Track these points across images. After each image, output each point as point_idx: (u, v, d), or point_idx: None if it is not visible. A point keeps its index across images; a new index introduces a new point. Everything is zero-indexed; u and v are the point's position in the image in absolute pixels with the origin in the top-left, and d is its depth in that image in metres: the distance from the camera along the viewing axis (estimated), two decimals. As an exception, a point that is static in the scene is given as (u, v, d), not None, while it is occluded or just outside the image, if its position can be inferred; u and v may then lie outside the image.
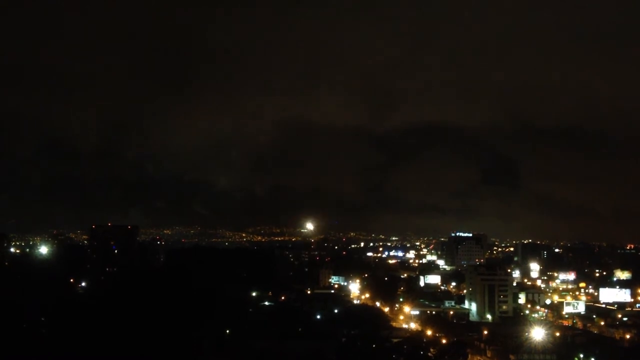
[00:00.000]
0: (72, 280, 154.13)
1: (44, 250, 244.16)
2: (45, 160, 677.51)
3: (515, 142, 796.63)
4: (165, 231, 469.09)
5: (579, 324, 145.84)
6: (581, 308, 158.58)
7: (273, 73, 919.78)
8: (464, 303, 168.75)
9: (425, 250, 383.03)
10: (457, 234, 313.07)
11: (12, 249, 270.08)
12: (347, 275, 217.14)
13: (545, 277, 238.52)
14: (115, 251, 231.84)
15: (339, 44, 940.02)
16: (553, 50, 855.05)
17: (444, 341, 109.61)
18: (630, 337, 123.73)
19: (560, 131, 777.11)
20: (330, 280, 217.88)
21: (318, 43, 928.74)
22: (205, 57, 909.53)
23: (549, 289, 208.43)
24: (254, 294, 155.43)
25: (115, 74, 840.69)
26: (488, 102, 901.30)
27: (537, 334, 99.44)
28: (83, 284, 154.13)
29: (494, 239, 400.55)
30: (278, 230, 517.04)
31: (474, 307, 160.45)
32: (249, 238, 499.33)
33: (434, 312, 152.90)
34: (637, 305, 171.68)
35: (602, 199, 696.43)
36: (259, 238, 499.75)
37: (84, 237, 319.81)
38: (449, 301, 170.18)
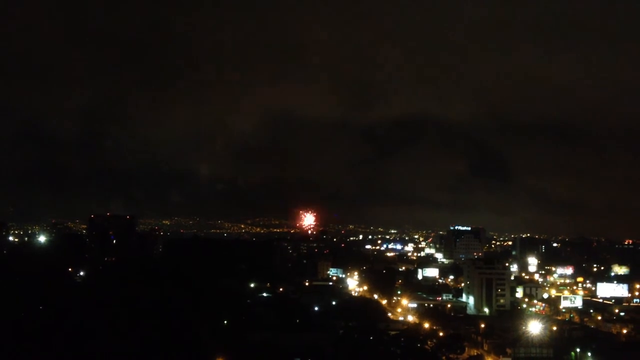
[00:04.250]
0: (70, 269, 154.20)
1: (42, 239, 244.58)
2: (39, 150, 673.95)
3: (504, 137, 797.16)
4: (164, 222, 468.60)
5: (576, 319, 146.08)
6: (578, 303, 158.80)
7: (258, 67, 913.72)
8: (461, 296, 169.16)
9: (423, 244, 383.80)
10: (456, 227, 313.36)
11: (11, 238, 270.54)
12: (346, 267, 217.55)
13: (543, 272, 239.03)
14: (114, 241, 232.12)
15: (321, 37, 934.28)
16: (537, 44, 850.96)
17: (441, 334, 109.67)
18: (627, 332, 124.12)
19: (549, 126, 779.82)
20: (328, 272, 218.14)
21: (300, 36, 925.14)
22: (188, 52, 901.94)
23: (547, 283, 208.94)
24: (252, 285, 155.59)
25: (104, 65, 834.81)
26: (473, 96, 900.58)
27: (534, 328, 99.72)
28: (81, 273, 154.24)
29: (492, 233, 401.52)
30: (277, 222, 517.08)
31: (471, 300, 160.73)
32: (247, 229, 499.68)
33: (431, 305, 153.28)
34: (635, 300, 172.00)
35: (599, 194, 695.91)
36: (258, 230, 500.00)
37: (83, 226, 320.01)
38: (447, 294, 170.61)
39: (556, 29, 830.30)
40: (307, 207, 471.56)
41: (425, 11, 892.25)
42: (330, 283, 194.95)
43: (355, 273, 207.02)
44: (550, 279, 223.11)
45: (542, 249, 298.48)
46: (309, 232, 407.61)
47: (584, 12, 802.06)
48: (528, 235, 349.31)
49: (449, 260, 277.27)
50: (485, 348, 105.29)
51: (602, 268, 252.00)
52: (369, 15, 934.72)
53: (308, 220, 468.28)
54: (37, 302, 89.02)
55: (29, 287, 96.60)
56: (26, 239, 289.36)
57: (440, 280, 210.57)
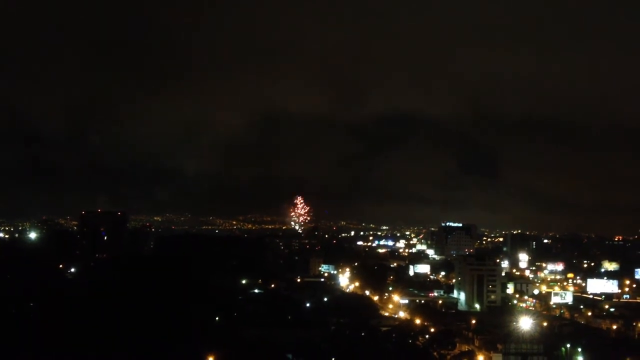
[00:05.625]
0: (61, 266, 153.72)
1: (33, 235, 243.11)
2: (30, 146, 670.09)
3: (496, 134, 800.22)
4: (155, 218, 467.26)
5: (567, 315, 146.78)
6: (569, 298, 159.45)
7: (247, 65, 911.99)
8: (453, 292, 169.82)
9: (415, 240, 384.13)
10: (447, 224, 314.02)
11: (1, 234, 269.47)
12: (337, 263, 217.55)
13: (534, 268, 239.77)
14: (105, 237, 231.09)
15: (309, 34, 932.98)
16: (528, 42, 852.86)
17: (432, 330, 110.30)
18: (616, 328, 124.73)
19: (539, 123, 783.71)
20: (320, 268, 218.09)
21: (289, 33, 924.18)
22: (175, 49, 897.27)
23: (537, 279, 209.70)
24: (244, 281, 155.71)
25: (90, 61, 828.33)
26: (463, 93, 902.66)
27: (525, 323, 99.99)
28: (72, 269, 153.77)
29: (483, 229, 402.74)
30: (269, 219, 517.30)
31: (462, 296, 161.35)
32: (239, 226, 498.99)
33: (422, 301, 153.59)
34: (624, 296, 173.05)
35: (589, 191, 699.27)
36: (250, 226, 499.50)
37: (74, 223, 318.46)
38: (438, 290, 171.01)
39: (546, 27, 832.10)
40: (299, 204, 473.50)
41: (413, 8, 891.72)
42: (322, 279, 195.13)
43: (347, 269, 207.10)
44: (541, 275, 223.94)
45: (532, 245, 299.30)
46: (301, 228, 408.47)
47: (575, 10, 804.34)
48: (519, 231, 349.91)
49: (441, 257, 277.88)
50: (476, 344, 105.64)
51: (592, 264, 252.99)
52: (358, 12, 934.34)
53: (299, 216, 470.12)
54: (28, 298, 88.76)
55: (19, 283, 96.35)
56: (16, 235, 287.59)
57: (431, 277, 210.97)
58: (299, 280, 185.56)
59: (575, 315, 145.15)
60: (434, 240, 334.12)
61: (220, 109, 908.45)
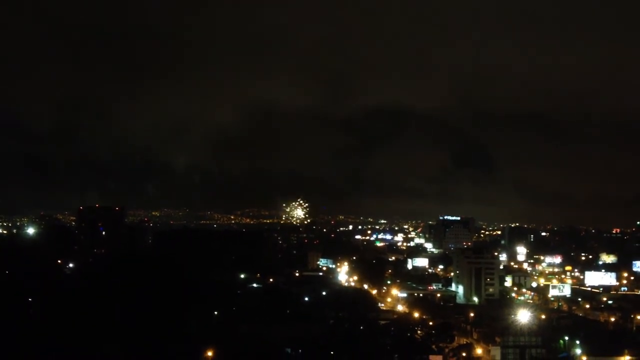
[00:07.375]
0: (59, 261, 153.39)
1: (31, 231, 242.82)
2: (27, 142, 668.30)
3: (493, 128, 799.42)
4: (153, 213, 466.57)
5: (565, 307, 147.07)
6: (567, 291, 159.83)
7: (239, 60, 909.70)
8: (451, 286, 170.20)
9: (413, 234, 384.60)
10: (445, 217, 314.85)
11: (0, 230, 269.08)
12: (336, 258, 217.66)
13: (532, 261, 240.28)
14: (103, 233, 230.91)
15: (300, 29, 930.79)
16: (525, 38, 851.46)
17: (431, 323, 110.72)
18: (614, 320, 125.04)
19: (536, 117, 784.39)
20: (318, 262, 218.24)
21: (280, 28, 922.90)
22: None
23: (535, 272, 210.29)
24: (242, 276, 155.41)
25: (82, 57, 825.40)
26: (459, 87, 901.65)
27: (523, 316, 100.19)
28: (71, 265, 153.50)
29: (481, 223, 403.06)
30: (267, 213, 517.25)
31: (460, 289, 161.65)
32: (237, 221, 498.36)
33: (421, 295, 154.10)
34: (622, 288, 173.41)
35: (587, 184, 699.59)
36: (248, 221, 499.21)
37: (71, 218, 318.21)
38: (436, 284, 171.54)
39: (537, 20, 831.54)
40: (297, 198, 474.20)
41: (407, 2, 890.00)
42: (321, 273, 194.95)
43: (345, 263, 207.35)
44: (539, 268, 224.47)
45: (530, 238, 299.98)
46: (298, 222, 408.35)
47: (572, 6, 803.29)
48: (517, 224, 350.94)
49: (439, 250, 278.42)
50: (475, 337, 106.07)
51: (590, 257, 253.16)
52: (350, 6, 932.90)
53: (297, 211, 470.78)
54: (26, 294, 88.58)
55: (17, 279, 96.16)
56: (15, 231, 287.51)
57: (429, 270, 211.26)
58: (297, 274, 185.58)
59: (573, 307, 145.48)
60: (432, 233, 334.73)
61: (216, 104, 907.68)
